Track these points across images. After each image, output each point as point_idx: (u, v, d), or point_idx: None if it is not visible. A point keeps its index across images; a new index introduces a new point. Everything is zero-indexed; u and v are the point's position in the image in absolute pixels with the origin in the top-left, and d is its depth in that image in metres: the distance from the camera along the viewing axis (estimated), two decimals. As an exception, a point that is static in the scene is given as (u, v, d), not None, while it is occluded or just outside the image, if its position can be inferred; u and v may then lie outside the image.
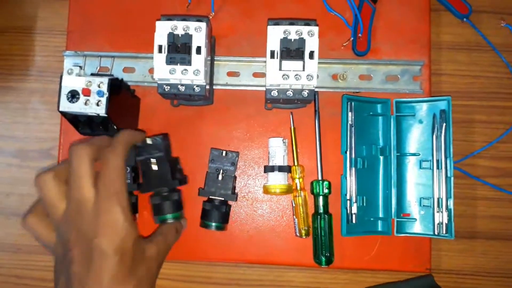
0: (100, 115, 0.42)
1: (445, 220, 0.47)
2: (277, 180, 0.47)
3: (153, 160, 0.45)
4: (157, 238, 0.42)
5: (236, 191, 0.49)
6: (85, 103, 0.41)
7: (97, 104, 0.41)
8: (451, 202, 0.47)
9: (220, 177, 0.47)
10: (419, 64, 0.50)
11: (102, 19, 0.52)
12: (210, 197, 0.47)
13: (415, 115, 0.50)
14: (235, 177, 0.48)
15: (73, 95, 0.41)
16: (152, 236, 0.42)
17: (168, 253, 0.43)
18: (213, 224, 0.47)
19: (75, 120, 0.44)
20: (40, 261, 0.52)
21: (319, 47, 0.43)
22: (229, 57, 0.50)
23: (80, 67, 0.47)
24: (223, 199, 0.47)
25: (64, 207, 0.37)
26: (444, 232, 0.47)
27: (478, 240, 0.52)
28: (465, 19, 0.53)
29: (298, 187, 0.48)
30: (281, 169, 0.47)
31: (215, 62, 0.50)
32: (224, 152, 0.48)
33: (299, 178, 0.48)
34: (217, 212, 0.47)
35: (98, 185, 0.36)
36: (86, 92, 0.41)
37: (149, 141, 0.45)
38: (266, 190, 0.48)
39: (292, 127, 0.49)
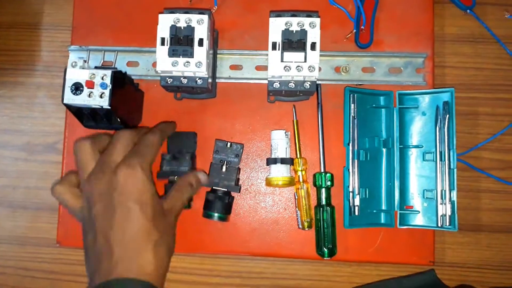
0: (104, 107, 0.42)
1: (449, 212, 0.47)
2: (280, 172, 0.47)
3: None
4: (171, 194, 0.42)
5: (239, 183, 0.49)
6: (89, 96, 0.42)
7: (101, 96, 0.42)
8: (454, 194, 0.47)
9: (224, 168, 0.48)
10: (422, 56, 0.50)
11: (106, 14, 0.52)
12: (213, 187, 0.48)
13: (418, 107, 0.50)
14: (239, 169, 0.49)
15: (77, 88, 0.42)
16: (167, 193, 0.43)
17: (182, 208, 0.43)
18: (216, 214, 0.47)
19: (79, 112, 0.45)
20: (47, 253, 0.53)
21: (322, 40, 0.43)
22: (232, 51, 0.51)
23: (84, 60, 0.48)
24: (226, 190, 0.48)
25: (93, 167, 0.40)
26: (447, 224, 0.47)
27: (482, 233, 0.51)
28: (469, 11, 0.53)
29: (301, 180, 0.48)
30: (283, 161, 0.47)
31: (218, 56, 0.50)
32: (228, 144, 0.48)
33: (301, 171, 0.48)
34: (220, 203, 0.47)
35: (128, 153, 0.40)
36: (90, 85, 0.42)
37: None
38: (268, 183, 0.48)
39: (294, 120, 0.49)
